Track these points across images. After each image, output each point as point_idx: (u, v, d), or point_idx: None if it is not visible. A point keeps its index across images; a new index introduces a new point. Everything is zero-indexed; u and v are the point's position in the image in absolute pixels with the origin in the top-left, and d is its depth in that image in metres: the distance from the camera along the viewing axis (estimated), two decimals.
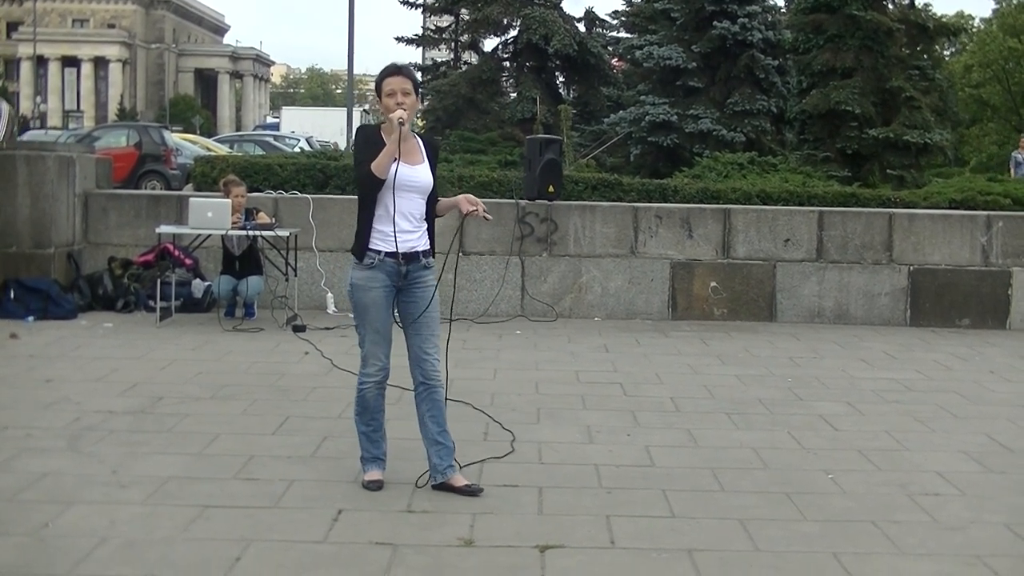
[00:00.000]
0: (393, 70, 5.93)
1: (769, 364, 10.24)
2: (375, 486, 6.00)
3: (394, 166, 5.73)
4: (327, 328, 11.46)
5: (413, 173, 5.86)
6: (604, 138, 31.48)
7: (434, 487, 6.02)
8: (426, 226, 6.00)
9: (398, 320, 6.09)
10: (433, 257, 6.06)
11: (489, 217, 6.12)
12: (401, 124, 5.70)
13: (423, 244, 5.97)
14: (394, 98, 5.79)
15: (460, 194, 6.14)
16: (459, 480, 6.04)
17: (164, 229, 11.68)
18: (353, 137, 6.18)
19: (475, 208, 5.99)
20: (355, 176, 5.90)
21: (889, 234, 12.87)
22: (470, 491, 5.98)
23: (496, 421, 7.37)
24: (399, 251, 5.84)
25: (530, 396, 8.40)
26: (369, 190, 5.82)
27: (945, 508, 6.03)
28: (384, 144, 5.77)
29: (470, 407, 7.73)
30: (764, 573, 5.05)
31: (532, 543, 5.29)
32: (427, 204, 5.99)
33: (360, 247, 5.89)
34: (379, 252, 5.84)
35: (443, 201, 6.12)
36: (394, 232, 5.81)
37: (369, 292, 5.87)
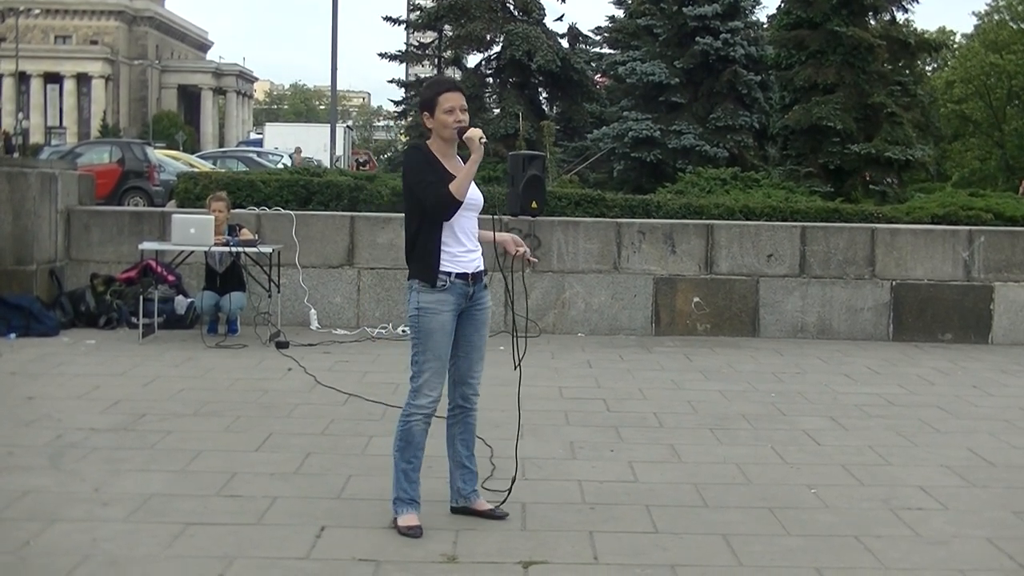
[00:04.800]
0: (451, 85, 5.72)
1: (752, 379, 10.26)
2: (416, 532, 5.58)
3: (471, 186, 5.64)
4: (310, 344, 11.44)
5: (474, 191, 5.72)
6: (587, 154, 31.61)
7: (453, 510, 5.92)
8: (480, 247, 5.84)
9: None
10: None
11: (535, 260, 5.99)
12: (483, 142, 5.53)
13: (482, 263, 5.81)
14: (453, 115, 5.56)
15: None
16: (482, 505, 5.92)
17: (147, 246, 11.65)
18: (404, 158, 5.89)
19: (523, 249, 5.85)
20: (426, 198, 5.55)
21: (872, 249, 12.91)
22: (494, 516, 5.87)
23: (479, 437, 7.35)
24: (469, 272, 5.68)
25: (513, 412, 8.35)
26: (446, 213, 5.56)
27: (928, 522, 6.04)
28: (440, 163, 5.61)
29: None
30: None
31: (515, 559, 5.29)
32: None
33: (430, 270, 5.60)
34: (449, 274, 5.61)
35: (483, 233, 5.91)
36: (498, 250, 5.72)
37: (439, 316, 5.60)
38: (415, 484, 5.74)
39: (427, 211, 5.60)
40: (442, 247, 5.62)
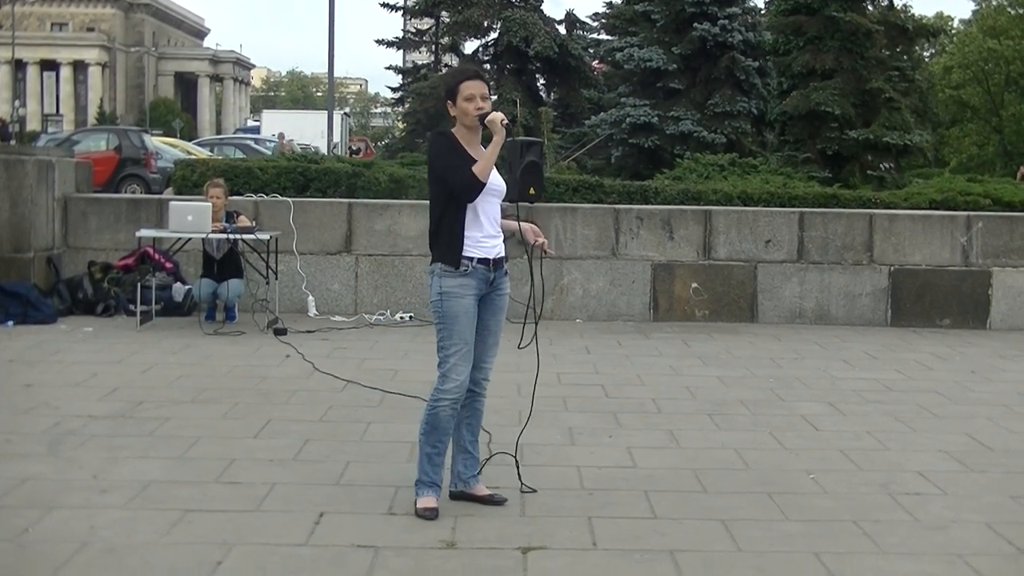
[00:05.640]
0: (473, 74, 5.81)
1: (750, 365, 10.26)
2: (431, 514, 5.63)
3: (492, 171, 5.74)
4: (308, 331, 11.44)
5: (496, 177, 5.84)
6: (585, 140, 31.55)
7: (452, 494, 5.93)
8: (502, 233, 5.94)
9: None
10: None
11: (551, 252, 6.10)
12: (505, 124, 5.62)
13: (503, 250, 5.91)
14: (474, 102, 5.65)
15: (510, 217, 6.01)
16: (481, 490, 5.95)
17: (144, 233, 11.64)
18: (429, 144, 5.99)
19: (542, 240, 6.05)
20: (452, 181, 5.63)
21: (870, 235, 12.91)
22: (493, 501, 5.89)
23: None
24: (491, 257, 5.77)
25: (512, 398, 8.38)
26: (471, 195, 5.65)
27: (926, 507, 6.05)
28: (465, 150, 5.70)
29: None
30: (746, 573, 5.05)
31: (514, 545, 5.29)
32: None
33: (454, 254, 5.68)
34: (472, 259, 5.70)
35: (506, 222, 6.01)
36: (525, 235, 5.94)
37: (462, 300, 5.67)
38: (438, 468, 5.78)
39: (454, 193, 5.68)
40: (465, 231, 5.70)
